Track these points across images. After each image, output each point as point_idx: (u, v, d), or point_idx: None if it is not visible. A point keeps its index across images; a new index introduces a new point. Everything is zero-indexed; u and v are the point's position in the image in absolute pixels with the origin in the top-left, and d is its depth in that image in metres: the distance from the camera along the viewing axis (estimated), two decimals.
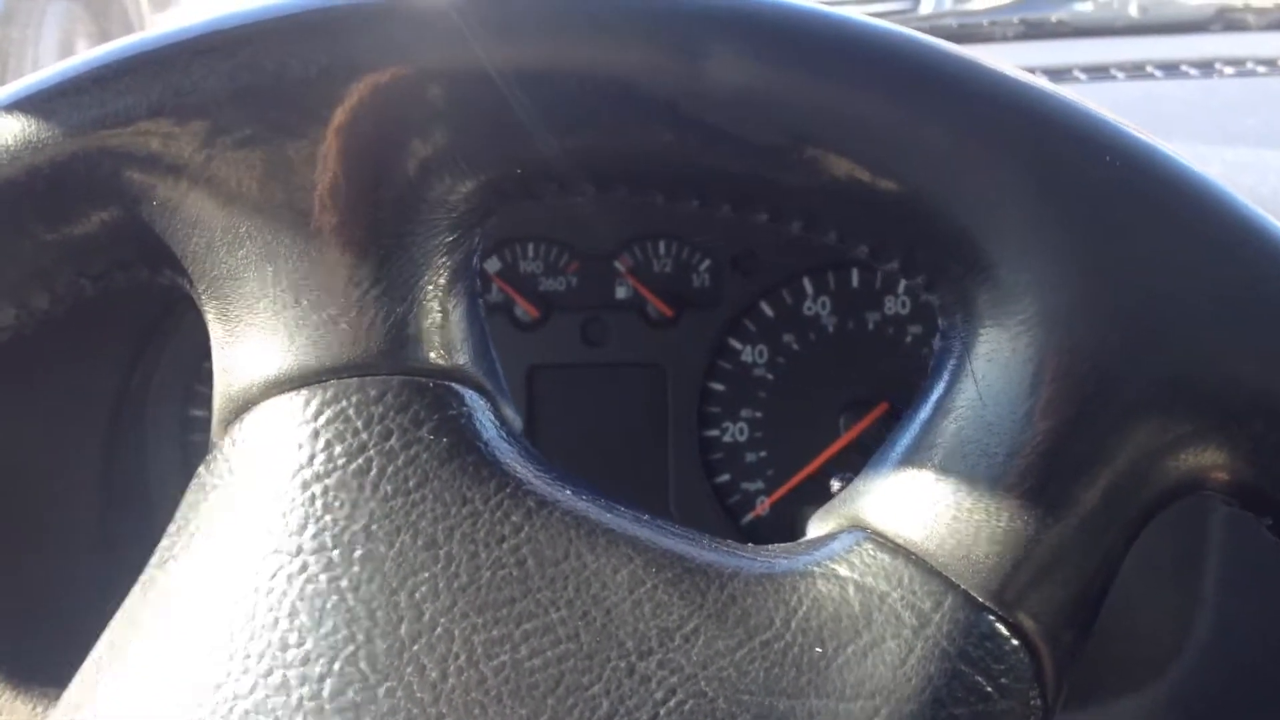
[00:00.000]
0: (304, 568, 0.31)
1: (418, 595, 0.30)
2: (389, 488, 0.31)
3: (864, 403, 0.75)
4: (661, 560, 0.31)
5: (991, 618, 0.30)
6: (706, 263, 0.77)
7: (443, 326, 0.33)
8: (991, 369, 0.31)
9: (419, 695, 0.29)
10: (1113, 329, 0.30)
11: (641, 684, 0.30)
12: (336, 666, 0.30)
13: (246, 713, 0.30)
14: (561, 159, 0.32)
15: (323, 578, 0.30)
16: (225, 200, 0.32)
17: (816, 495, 0.77)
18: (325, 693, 0.30)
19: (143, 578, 0.33)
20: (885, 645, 0.30)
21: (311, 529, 0.31)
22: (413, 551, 0.30)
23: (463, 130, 0.31)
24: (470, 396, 0.32)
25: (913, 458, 0.32)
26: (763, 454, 0.77)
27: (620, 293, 0.77)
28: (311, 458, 0.31)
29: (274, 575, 0.31)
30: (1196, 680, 0.69)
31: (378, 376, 0.32)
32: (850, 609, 0.30)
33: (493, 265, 0.78)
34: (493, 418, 0.33)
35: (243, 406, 0.33)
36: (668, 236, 0.77)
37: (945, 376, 0.32)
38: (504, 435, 0.33)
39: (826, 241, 0.33)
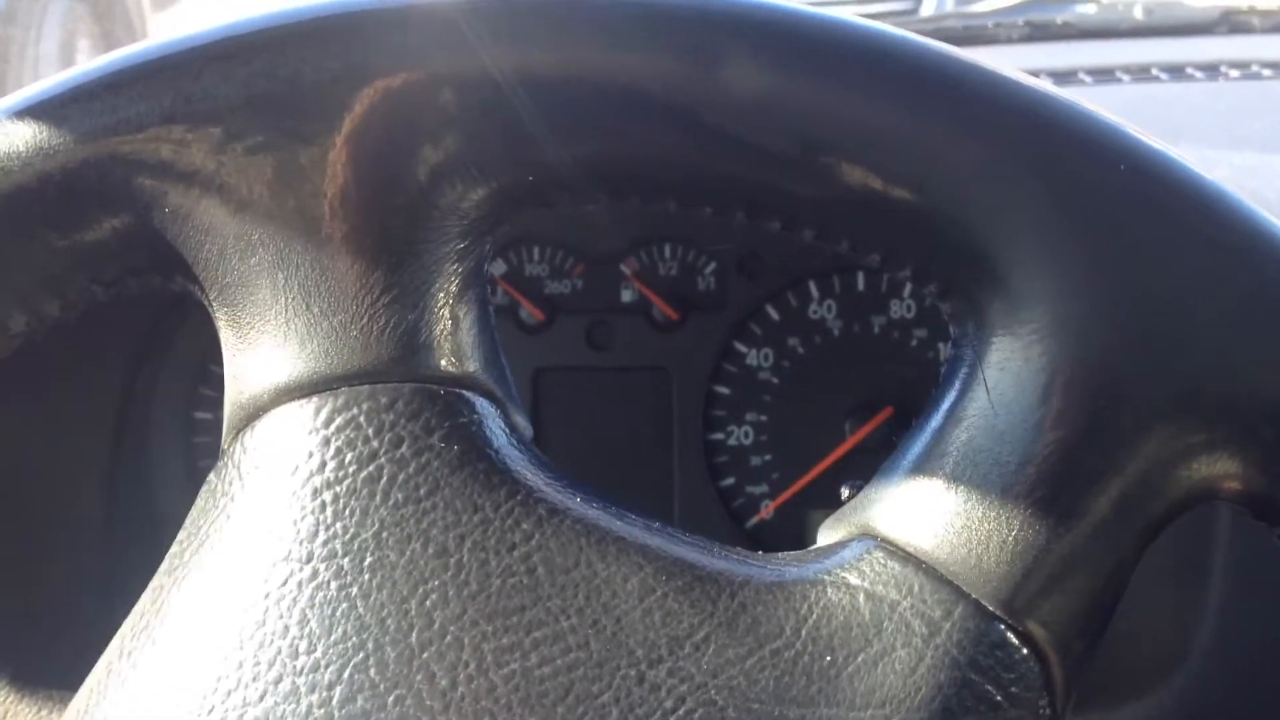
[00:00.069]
0: (314, 575, 0.31)
1: (428, 603, 0.30)
2: (400, 495, 0.31)
3: (869, 407, 0.75)
4: (672, 568, 0.31)
5: (1002, 626, 0.30)
6: (712, 266, 0.77)
7: (453, 334, 0.33)
8: (1004, 378, 0.31)
9: (429, 703, 0.29)
10: (1125, 338, 0.30)
11: (651, 692, 0.30)
12: (346, 674, 0.30)
13: None
14: (573, 166, 0.32)
15: (333, 585, 0.30)
16: (237, 207, 0.32)
17: (822, 499, 0.77)
18: (335, 700, 0.30)
19: (152, 584, 0.33)
20: (895, 654, 0.30)
21: (322, 536, 0.31)
22: (423, 559, 0.30)
23: (474, 137, 0.31)
24: (481, 404, 0.32)
25: (924, 466, 0.32)
26: (768, 457, 0.77)
27: (625, 296, 0.77)
28: (322, 465, 0.31)
29: (284, 582, 0.31)
30: (1201, 686, 0.69)
31: (389, 384, 0.32)
32: (860, 617, 0.30)
33: (498, 268, 0.78)
34: (503, 425, 0.33)
35: (253, 414, 0.33)
36: (673, 240, 0.77)
37: (957, 385, 0.32)
38: (514, 443, 0.33)
39: (839, 250, 0.33)
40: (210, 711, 0.30)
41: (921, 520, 0.31)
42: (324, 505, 0.31)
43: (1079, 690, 0.32)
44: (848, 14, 0.32)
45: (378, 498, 0.31)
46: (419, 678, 0.30)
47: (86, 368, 0.73)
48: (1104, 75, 0.89)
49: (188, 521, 0.33)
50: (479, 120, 0.31)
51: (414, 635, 0.30)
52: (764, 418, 0.77)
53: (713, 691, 0.30)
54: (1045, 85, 0.31)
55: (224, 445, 0.33)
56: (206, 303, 0.34)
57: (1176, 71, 0.89)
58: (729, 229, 0.72)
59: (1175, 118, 0.81)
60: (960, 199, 0.31)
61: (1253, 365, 0.30)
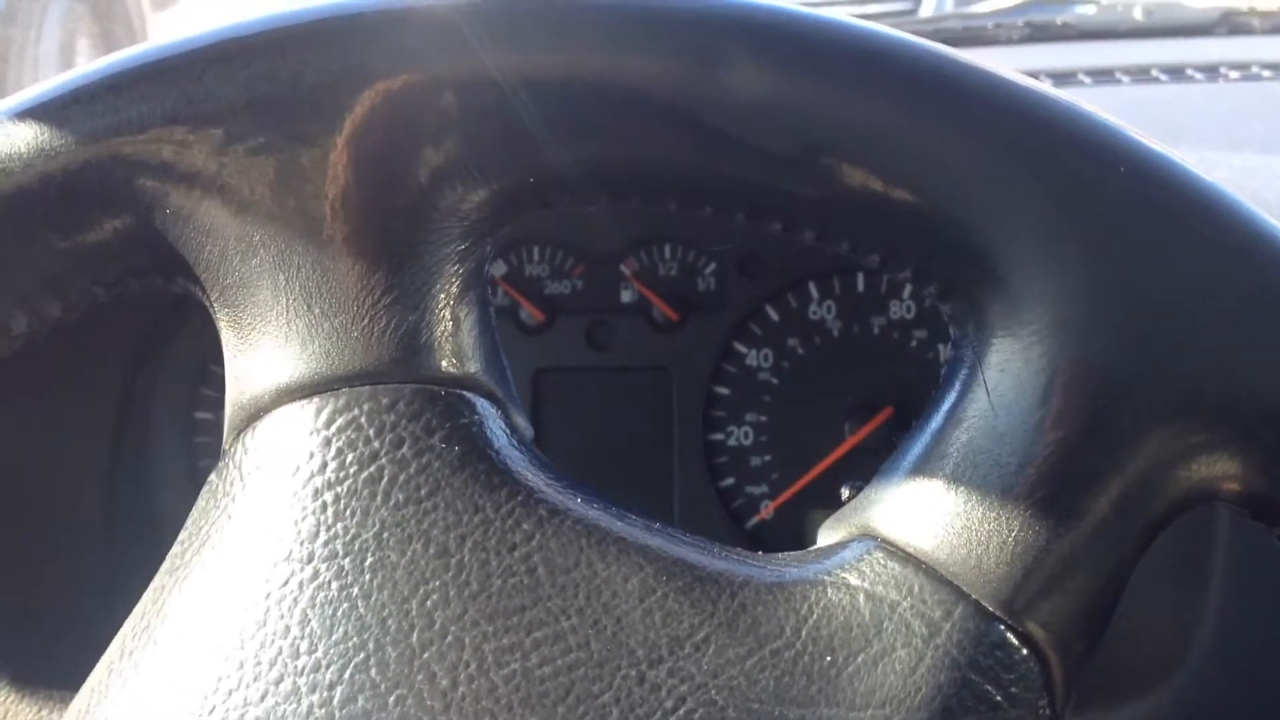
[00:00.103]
0: (315, 575, 0.31)
1: (429, 603, 0.30)
2: (401, 496, 0.31)
3: (869, 407, 0.75)
4: (672, 568, 0.31)
5: (1002, 627, 0.30)
6: (712, 266, 0.77)
7: (454, 335, 0.33)
8: (1003, 379, 0.31)
9: (429, 703, 0.29)
10: (1125, 340, 0.30)
11: (652, 692, 0.30)
12: (347, 674, 0.30)
13: None
14: (574, 168, 0.32)
15: (334, 585, 0.30)
16: (238, 208, 0.32)
17: (821, 500, 0.77)
18: (336, 700, 0.30)
19: (154, 584, 0.33)
20: (895, 654, 0.30)
21: (323, 536, 0.31)
22: (424, 559, 0.31)
23: (475, 139, 0.32)
24: (482, 404, 0.33)
25: (924, 467, 0.32)
26: (767, 458, 0.77)
27: (625, 296, 0.78)
28: (323, 465, 0.31)
29: (285, 583, 0.31)
30: (1200, 687, 0.69)
31: (390, 384, 0.32)
32: (861, 618, 0.30)
33: (498, 269, 0.78)
34: (504, 426, 0.33)
35: (254, 414, 0.33)
36: (673, 240, 0.77)
37: (957, 386, 0.32)
38: (515, 443, 0.33)
39: (839, 251, 0.33)
40: (211, 711, 0.30)
41: (921, 521, 0.31)
42: (325, 506, 0.31)
43: (1079, 690, 0.32)
44: (846, 15, 0.32)
45: (379, 498, 0.31)
46: (420, 678, 0.30)
47: (87, 368, 0.73)
48: (1103, 76, 0.89)
49: (189, 522, 0.33)
50: (480, 122, 0.31)
51: (415, 635, 0.30)
52: (764, 418, 0.77)
53: (713, 692, 0.30)
54: (1045, 86, 0.31)
55: (225, 446, 0.34)
56: (208, 304, 0.34)
57: (1176, 73, 0.89)
58: (729, 230, 0.72)
59: (1175, 119, 0.81)
60: (960, 200, 0.31)
61: (1253, 366, 0.30)
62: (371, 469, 0.31)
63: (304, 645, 0.30)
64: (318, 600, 0.30)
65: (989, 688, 0.30)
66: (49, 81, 0.33)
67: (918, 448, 0.32)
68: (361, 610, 0.30)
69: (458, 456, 0.31)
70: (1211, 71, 0.89)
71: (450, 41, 0.31)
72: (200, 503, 0.33)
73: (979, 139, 0.30)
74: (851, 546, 0.32)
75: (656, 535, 0.32)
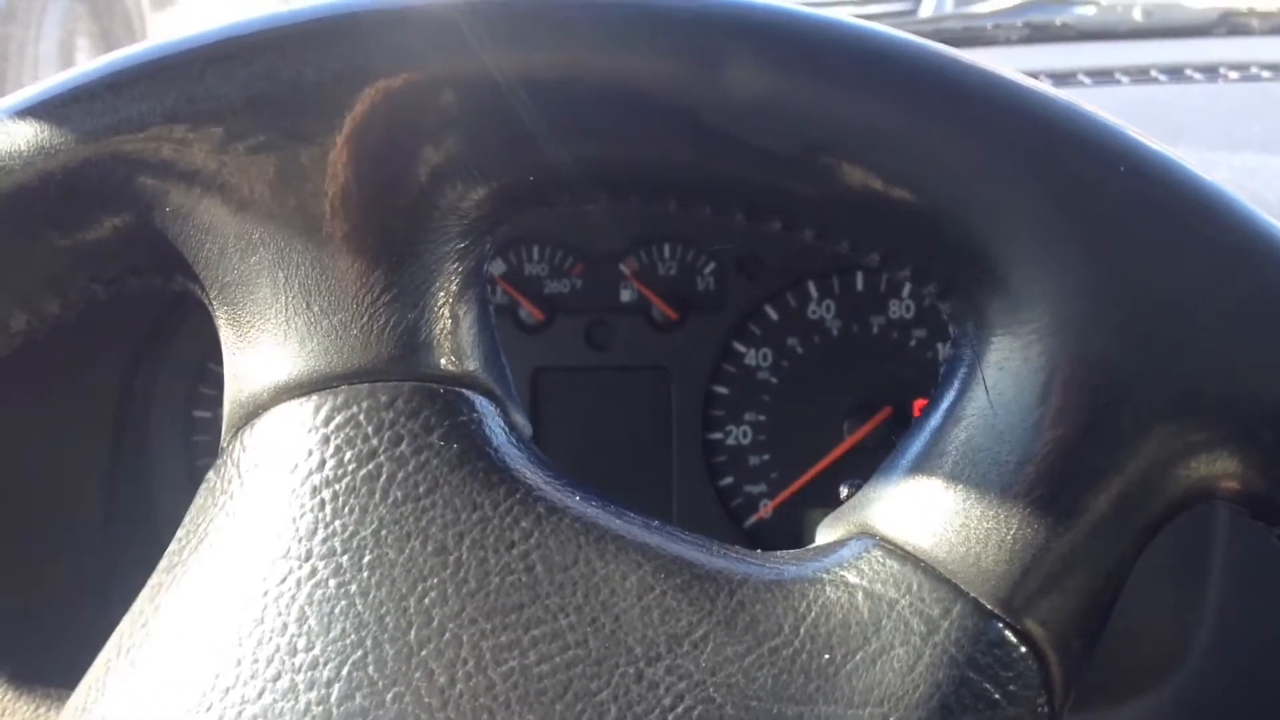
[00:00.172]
0: (313, 573, 0.31)
1: (427, 601, 0.30)
2: (399, 493, 0.31)
3: (868, 406, 0.76)
4: (670, 566, 0.31)
5: (1000, 625, 0.30)
6: (711, 266, 0.77)
7: (453, 332, 0.33)
8: (1003, 377, 0.31)
9: (427, 701, 0.29)
10: (1125, 338, 0.30)
11: (650, 690, 0.30)
12: (345, 672, 0.30)
13: (255, 717, 0.30)
14: (573, 167, 0.32)
15: (332, 583, 0.30)
16: (238, 207, 0.32)
17: (820, 499, 0.77)
18: (333, 698, 0.30)
19: (151, 581, 0.33)
20: (894, 652, 0.30)
21: (321, 534, 0.31)
22: (422, 557, 0.31)
23: (475, 137, 0.32)
24: (480, 402, 0.33)
25: (922, 465, 0.32)
26: (766, 457, 0.77)
27: (625, 295, 0.78)
28: (322, 463, 0.31)
29: (283, 580, 0.31)
30: (1199, 686, 0.69)
31: (388, 382, 0.32)
32: (859, 616, 0.30)
33: (497, 268, 0.78)
34: (503, 424, 0.33)
35: (253, 412, 0.33)
36: (673, 239, 0.77)
37: (956, 384, 0.32)
38: (514, 441, 0.33)
39: (838, 250, 0.33)
40: (209, 709, 0.30)
41: (920, 519, 0.31)
42: (323, 503, 0.31)
43: (1078, 689, 0.32)
44: (846, 15, 0.32)
45: (377, 496, 0.31)
46: (417, 675, 0.30)
47: (86, 367, 0.73)
48: (1103, 77, 0.89)
49: (187, 519, 0.33)
50: (480, 121, 0.31)
51: (412, 633, 0.30)
52: (763, 417, 0.77)
53: (711, 689, 0.30)
54: (1044, 86, 0.31)
55: (223, 443, 0.34)
56: (207, 301, 0.34)
57: (1175, 73, 0.89)
58: (728, 229, 0.72)
59: (1174, 119, 0.81)
60: (960, 199, 0.31)
61: (1252, 366, 0.30)
62: (370, 466, 0.31)
63: (301, 643, 0.30)
64: (315, 598, 0.30)
65: (987, 686, 0.30)
66: (49, 80, 0.33)
67: (916, 446, 0.32)
68: (359, 608, 0.30)
69: (456, 454, 0.31)
70: (1211, 72, 0.89)
71: (450, 40, 0.31)
72: (198, 500, 0.33)
73: (979, 138, 0.30)
74: (850, 545, 0.32)
75: (655, 533, 0.32)
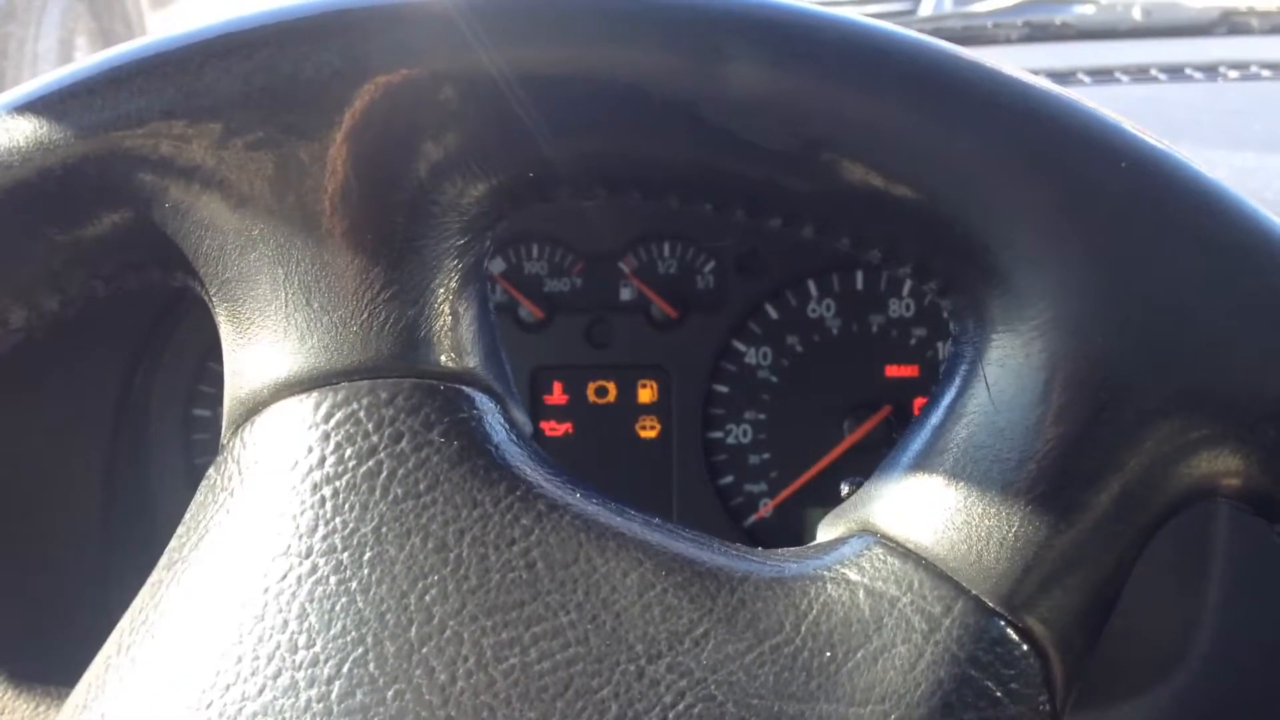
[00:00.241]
0: (314, 570, 0.31)
1: (427, 598, 0.30)
2: (399, 490, 0.31)
3: (868, 405, 0.75)
4: (671, 564, 0.31)
5: (1002, 623, 0.30)
6: (711, 264, 0.77)
7: (453, 329, 0.33)
8: (1004, 374, 0.31)
9: (428, 698, 0.29)
10: (1126, 336, 0.30)
11: (651, 687, 0.30)
12: (345, 669, 0.30)
13: (255, 714, 0.30)
14: (574, 163, 0.32)
15: (332, 580, 0.30)
16: (237, 203, 0.32)
17: (820, 498, 0.77)
18: (334, 695, 0.30)
19: (151, 579, 0.33)
20: (895, 650, 0.30)
21: (321, 531, 0.31)
22: (423, 554, 0.30)
23: (474, 133, 0.31)
24: (481, 399, 0.32)
25: (923, 462, 0.32)
26: (766, 456, 0.77)
27: (625, 294, 0.77)
28: (322, 460, 0.31)
29: (283, 577, 0.31)
30: (1200, 685, 0.69)
31: (389, 379, 0.32)
32: (860, 613, 0.30)
33: (497, 266, 0.78)
34: (503, 421, 0.33)
35: (253, 409, 0.33)
36: (672, 238, 0.77)
37: (957, 381, 0.32)
38: (514, 438, 0.33)
39: (839, 247, 0.33)
40: (209, 706, 0.30)
41: (921, 516, 0.31)
42: (323, 500, 0.31)
43: (1078, 687, 0.32)
44: (847, 14, 0.32)
45: (377, 493, 0.31)
46: (418, 672, 0.30)
47: (85, 365, 0.73)
48: (1103, 76, 0.89)
49: (187, 516, 0.33)
50: (479, 116, 0.31)
51: (413, 630, 0.30)
52: (763, 416, 0.77)
53: (712, 687, 0.30)
54: (1046, 83, 0.31)
55: (224, 440, 0.33)
56: (206, 298, 0.34)
57: (1176, 72, 0.89)
58: (728, 226, 0.72)
59: (1174, 118, 0.81)
60: (961, 196, 0.31)
61: (1254, 363, 0.30)
62: (370, 463, 0.31)
63: (302, 640, 0.30)
64: (316, 595, 0.30)
65: (989, 684, 0.30)
66: (47, 76, 0.33)
67: (918, 443, 0.32)
68: (360, 605, 0.30)
69: (456, 451, 0.31)
70: (1211, 71, 0.89)
71: (449, 36, 0.31)
72: (198, 497, 0.33)
73: (980, 134, 0.30)
74: (851, 542, 0.32)
75: (655, 531, 0.32)
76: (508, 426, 0.33)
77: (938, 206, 0.31)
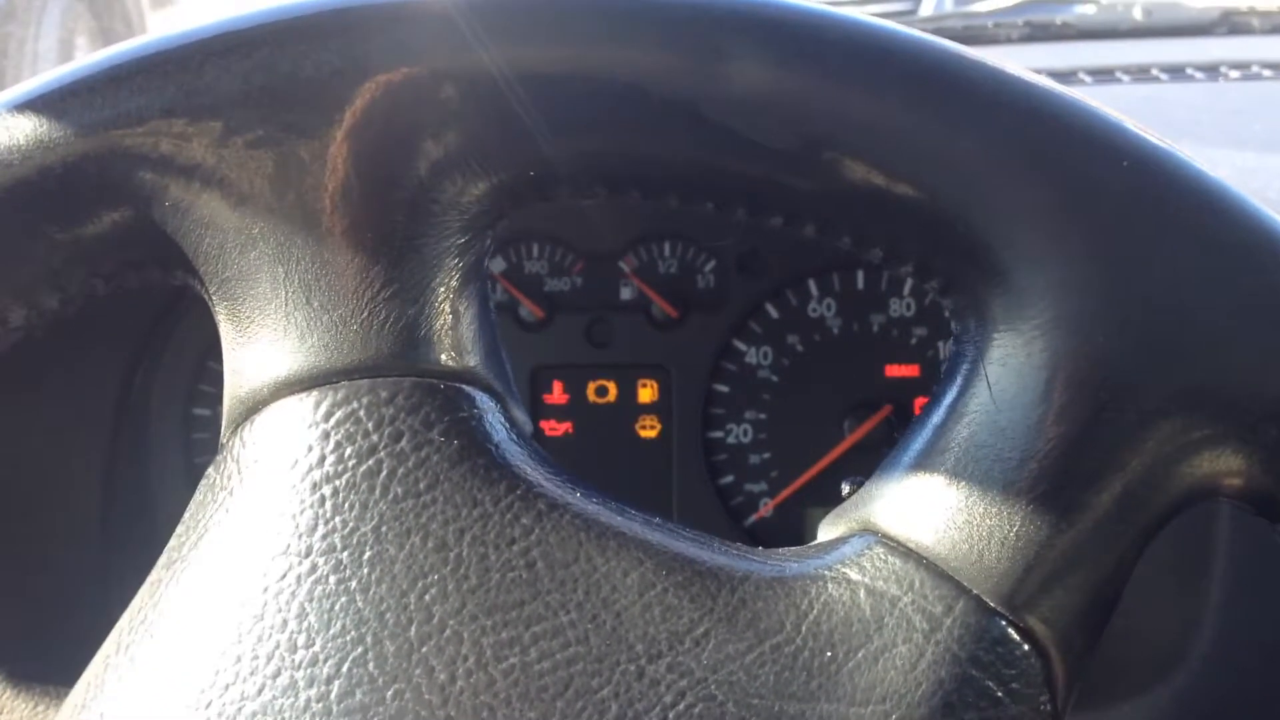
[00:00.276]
0: (313, 569, 0.30)
1: (427, 597, 0.30)
2: (399, 489, 0.31)
3: (868, 405, 0.75)
4: (672, 563, 0.31)
5: (1003, 622, 0.30)
6: (712, 264, 0.77)
7: (454, 328, 0.33)
8: (1005, 374, 0.31)
9: (427, 697, 0.29)
10: (1128, 335, 0.30)
11: (651, 687, 0.30)
12: (345, 668, 0.30)
13: (254, 714, 0.30)
14: (574, 162, 0.32)
15: (332, 579, 0.30)
16: (237, 201, 0.32)
17: (821, 497, 0.77)
18: (333, 694, 0.29)
19: (150, 578, 0.33)
20: (896, 650, 0.30)
21: (321, 530, 0.31)
22: (422, 553, 0.30)
23: (475, 132, 0.31)
24: (481, 398, 0.32)
25: (924, 462, 0.32)
26: (767, 456, 0.77)
27: (625, 293, 0.77)
28: (322, 459, 0.31)
29: (283, 576, 0.31)
30: (1201, 685, 0.69)
31: (389, 378, 0.32)
32: (861, 613, 0.30)
33: (498, 265, 0.78)
34: (503, 420, 0.33)
35: (253, 408, 0.33)
36: (673, 237, 0.77)
37: (958, 380, 0.32)
38: (514, 438, 0.32)
39: (840, 246, 0.33)
40: (208, 705, 0.30)
41: (922, 516, 0.31)
42: (323, 499, 0.31)
43: (1079, 687, 0.32)
44: (849, 14, 0.32)
45: (377, 492, 0.31)
46: (418, 672, 0.30)
47: (85, 364, 0.73)
48: (1104, 75, 0.89)
49: (186, 515, 0.33)
50: (480, 115, 0.31)
51: (413, 629, 0.30)
52: (763, 416, 0.77)
53: (713, 687, 0.30)
54: (1048, 81, 0.31)
55: (223, 439, 0.33)
56: (206, 296, 0.34)
57: (1176, 72, 0.89)
58: (729, 226, 0.72)
59: (1175, 118, 0.81)
60: (963, 195, 0.31)
61: (1255, 362, 0.30)
62: (370, 462, 0.31)
63: (301, 639, 0.30)
64: (315, 594, 0.30)
65: (990, 683, 0.30)
66: (48, 74, 0.33)
67: (919, 443, 0.32)
68: (359, 604, 0.30)
69: (456, 450, 0.31)
70: (1212, 71, 0.89)
71: (450, 35, 0.31)
72: (198, 496, 0.33)
73: (982, 133, 0.30)
74: (852, 542, 0.32)
75: (656, 530, 0.32)
76: (508, 426, 0.33)
77: (939, 205, 0.31)
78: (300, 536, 0.31)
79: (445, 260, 0.32)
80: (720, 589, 0.31)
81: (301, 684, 0.30)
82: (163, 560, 0.33)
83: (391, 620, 0.30)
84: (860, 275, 0.76)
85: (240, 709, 0.30)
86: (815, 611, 0.30)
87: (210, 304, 0.34)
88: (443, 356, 0.32)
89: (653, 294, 0.77)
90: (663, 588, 0.30)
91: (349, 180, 0.31)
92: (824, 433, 0.76)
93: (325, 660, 0.30)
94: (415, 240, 0.32)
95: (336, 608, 0.30)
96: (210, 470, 0.33)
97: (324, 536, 0.31)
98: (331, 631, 0.30)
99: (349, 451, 0.31)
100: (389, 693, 0.29)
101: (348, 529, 0.31)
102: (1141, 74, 0.89)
